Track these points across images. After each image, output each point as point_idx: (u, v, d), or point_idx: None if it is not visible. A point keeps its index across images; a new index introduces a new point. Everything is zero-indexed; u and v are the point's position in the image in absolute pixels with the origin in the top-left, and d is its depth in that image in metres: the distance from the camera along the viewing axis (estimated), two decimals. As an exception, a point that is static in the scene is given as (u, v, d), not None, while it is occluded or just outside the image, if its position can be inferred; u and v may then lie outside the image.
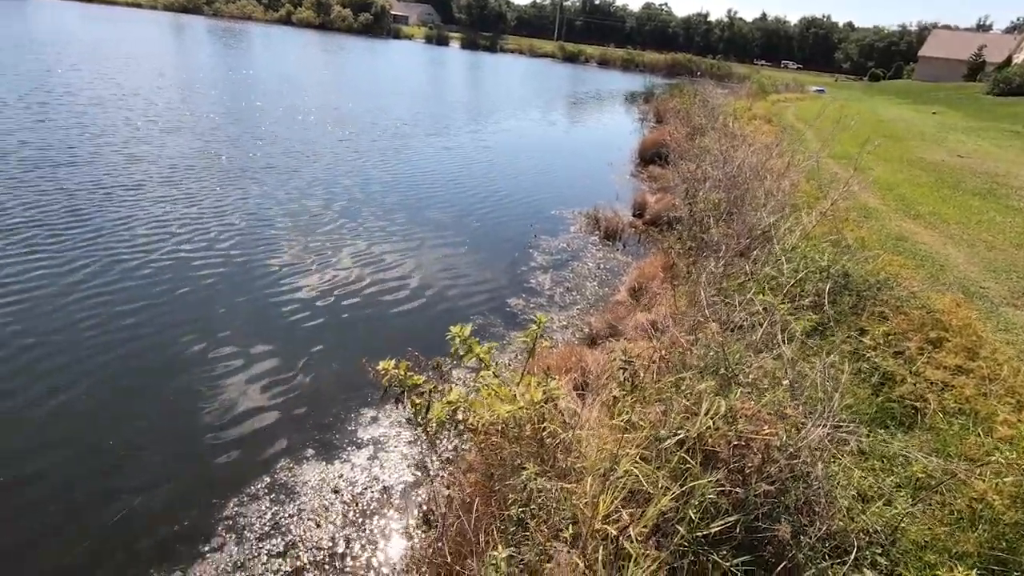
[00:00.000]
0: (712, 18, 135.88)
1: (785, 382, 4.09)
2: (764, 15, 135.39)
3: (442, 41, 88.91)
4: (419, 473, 5.05)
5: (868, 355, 5.87)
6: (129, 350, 6.26)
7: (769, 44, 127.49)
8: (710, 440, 3.53)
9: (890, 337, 6.06)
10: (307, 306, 7.67)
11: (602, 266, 10.31)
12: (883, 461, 4.63)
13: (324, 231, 10.25)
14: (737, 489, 3.44)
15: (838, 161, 13.82)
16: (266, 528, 4.41)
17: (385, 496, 4.81)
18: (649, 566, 2.88)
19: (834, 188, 8.81)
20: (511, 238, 11.30)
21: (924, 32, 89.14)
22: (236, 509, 4.55)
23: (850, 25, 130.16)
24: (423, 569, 3.68)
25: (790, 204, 9.16)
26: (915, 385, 5.45)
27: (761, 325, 4.79)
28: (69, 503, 4.44)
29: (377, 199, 12.38)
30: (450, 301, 8.43)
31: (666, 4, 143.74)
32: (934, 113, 31.46)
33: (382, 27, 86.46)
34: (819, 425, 3.77)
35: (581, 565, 2.66)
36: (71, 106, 16.71)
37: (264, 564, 4.13)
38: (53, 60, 24.78)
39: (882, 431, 4.93)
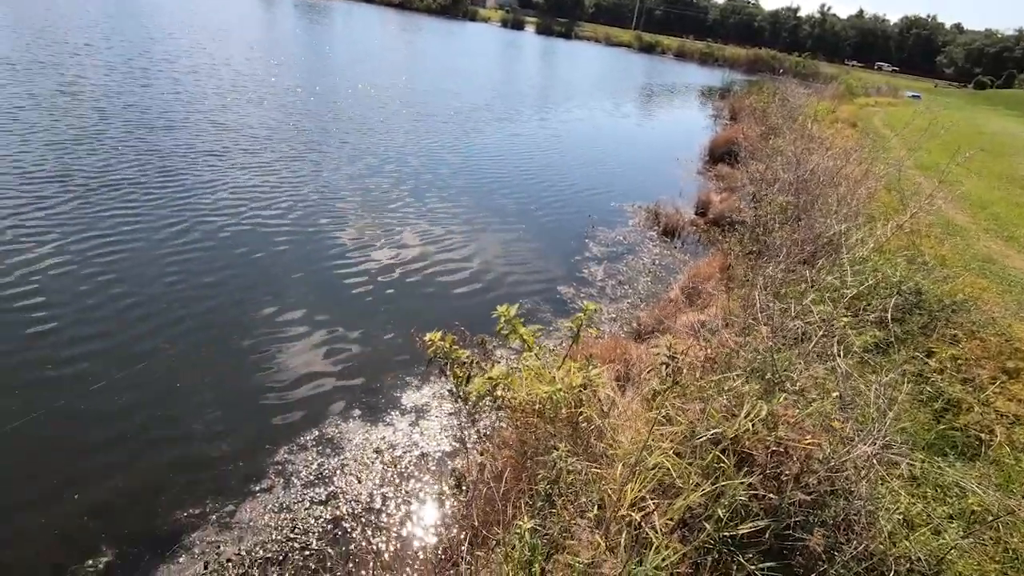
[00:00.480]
0: (803, 13, 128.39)
1: (835, 394, 3.96)
2: (861, 12, 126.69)
3: (517, 25, 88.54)
4: (456, 444, 5.23)
5: (933, 379, 5.55)
6: (205, 305, 6.75)
7: (863, 43, 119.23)
8: (747, 442, 3.49)
9: (960, 362, 5.70)
10: (368, 278, 8.01)
11: (657, 262, 10.16)
12: (936, 489, 4.42)
13: (391, 208, 10.59)
14: (771, 495, 3.39)
15: (925, 172, 12.92)
16: (311, 477, 4.72)
17: (422, 461, 5.03)
18: (671, 557, 2.91)
19: (916, 200, 8.27)
20: (569, 227, 11.30)
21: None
22: (286, 456, 4.88)
23: (958, 27, 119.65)
24: (452, 530, 3.85)
25: (864, 214, 8.68)
26: (982, 415, 5.13)
27: (817, 335, 4.64)
28: (140, 435, 4.90)
29: (444, 181, 12.62)
30: (503, 284, 8.57)
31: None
32: (1046, 127, 28.62)
33: (459, 9, 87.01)
34: (868, 443, 3.64)
35: (603, 545, 2.72)
36: (169, 73, 17.92)
37: (307, 509, 4.43)
38: (155, 29, 26.57)
39: (939, 459, 4.68)
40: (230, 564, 3.94)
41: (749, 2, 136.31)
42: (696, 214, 12.86)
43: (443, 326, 4.59)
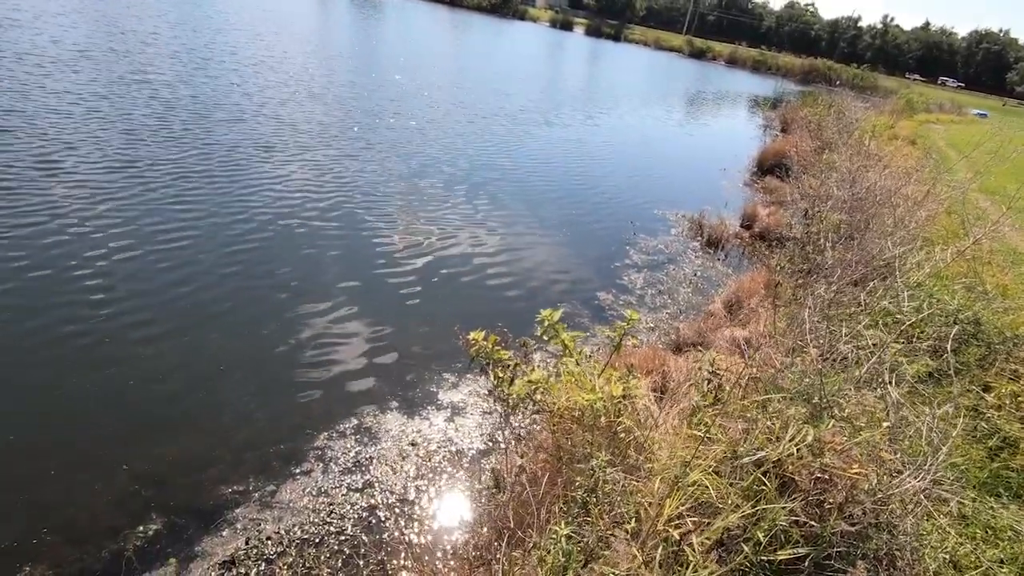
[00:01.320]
0: (864, 23, 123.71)
1: (885, 424, 3.83)
2: (927, 24, 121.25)
3: (566, 26, 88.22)
4: (490, 443, 5.29)
5: (989, 414, 5.30)
6: (257, 295, 6.99)
7: (928, 57, 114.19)
8: (790, 467, 3.42)
9: (1020, 399, 5.42)
10: (412, 275, 8.13)
11: (699, 274, 9.99)
12: (987, 531, 4.23)
13: (439, 209, 10.68)
14: (812, 523, 3.32)
15: (989, 196, 12.31)
16: (349, 464, 4.85)
17: (457, 458, 5.10)
18: (707, 577, 2.88)
19: (979, 225, 7.89)
20: (611, 233, 11.23)
21: None
22: (325, 442, 5.03)
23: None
24: (484, 528, 3.90)
25: (922, 237, 8.34)
26: (1042, 457, 4.87)
27: (868, 361, 4.50)
28: (188, 413, 5.13)
29: (493, 183, 12.61)
30: (543, 287, 8.59)
31: (812, 4, 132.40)
32: None
33: (509, 8, 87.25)
34: (917, 477, 3.52)
35: (639, 559, 2.72)
36: (232, 65, 18.60)
37: (344, 495, 4.55)
38: (221, 21, 27.59)
39: (991, 499, 4.48)
40: (269, 542, 4.09)
41: (807, 10, 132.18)
42: (741, 227, 12.58)
43: (483, 326, 4.64)
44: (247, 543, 4.04)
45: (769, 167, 17.67)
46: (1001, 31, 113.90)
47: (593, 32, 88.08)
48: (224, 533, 4.10)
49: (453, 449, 5.19)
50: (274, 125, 13.38)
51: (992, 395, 5.47)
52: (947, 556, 3.68)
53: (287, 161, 11.34)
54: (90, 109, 11.63)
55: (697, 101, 36.99)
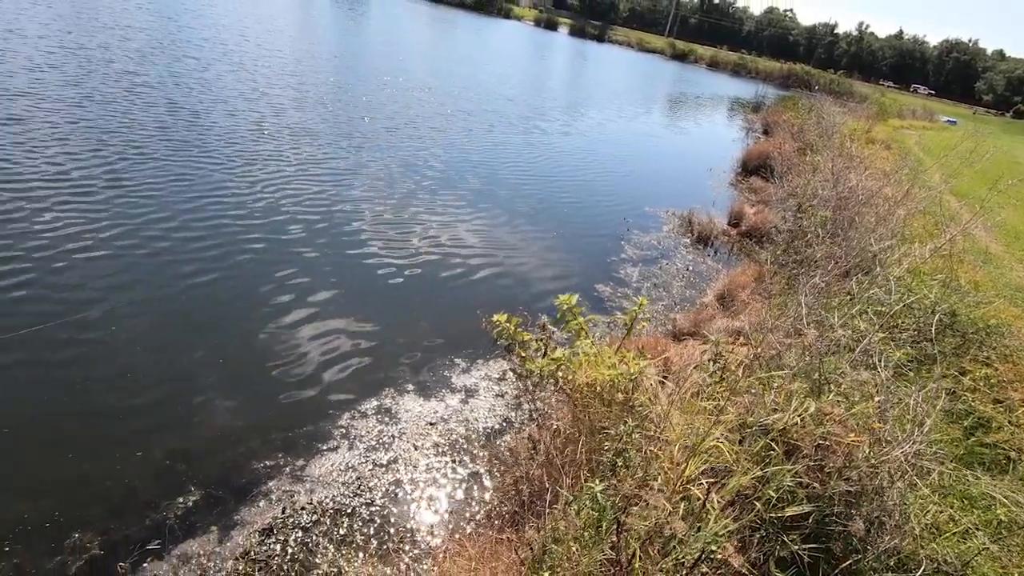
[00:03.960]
0: (840, 30, 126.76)
1: (877, 399, 4.20)
2: (900, 32, 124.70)
3: (551, 25, 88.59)
4: (504, 423, 5.55)
5: (965, 396, 5.75)
6: (262, 301, 7.12)
7: (900, 65, 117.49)
8: (795, 435, 3.76)
9: (992, 383, 5.89)
10: (416, 276, 8.20)
11: (691, 268, 10.38)
12: (964, 501, 4.65)
13: (439, 208, 10.73)
14: (815, 485, 3.66)
15: (961, 199, 12.96)
16: (373, 442, 5.07)
17: (473, 435, 5.35)
18: (722, 531, 3.19)
19: (953, 225, 8.41)
20: (606, 229, 11.55)
21: (1090, 70, 78.84)
22: (348, 422, 5.24)
23: (1000, 54, 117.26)
24: (522, 486, 4.17)
25: (901, 235, 8.84)
26: (1012, 435, 5.33)
27: (857, 346, 4.88)
28: (210, 398, 5.29)
29: (490, 183, 12.72)
30: (542, 279, 8.85)
31: (791, 10, 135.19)
32: (1085, 162, 28.20)
33: (494, 5, 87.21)
34: (903, 447, 3.89)
35: (668, 508, 3.02)
36: (227, 67, 18.45)
37: (370, 470, 4.78)
38: (210, 23, 27.24)
39: (967, 472, 4.90)
40: (303, 512, 4.30)
41: (786, 16, 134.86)
42: (729, 224, 13.03)
43: (484, 314, 4.86)
44: (283, 512, 4.25)
45: (753, 168, 18.22)
46: (970, 41, 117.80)
47: (577, 32, 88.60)
48: (260, 504, 4.30)
49: (470, 428, 5.44)
50: (261, 127, 13.33)
51: (968, 378, 5.93)
52: (929, 520, 4.07)
53: (280, 165, 11.38)
54: (79, 117, 11.54)
55: (683, 103, 37.65)
